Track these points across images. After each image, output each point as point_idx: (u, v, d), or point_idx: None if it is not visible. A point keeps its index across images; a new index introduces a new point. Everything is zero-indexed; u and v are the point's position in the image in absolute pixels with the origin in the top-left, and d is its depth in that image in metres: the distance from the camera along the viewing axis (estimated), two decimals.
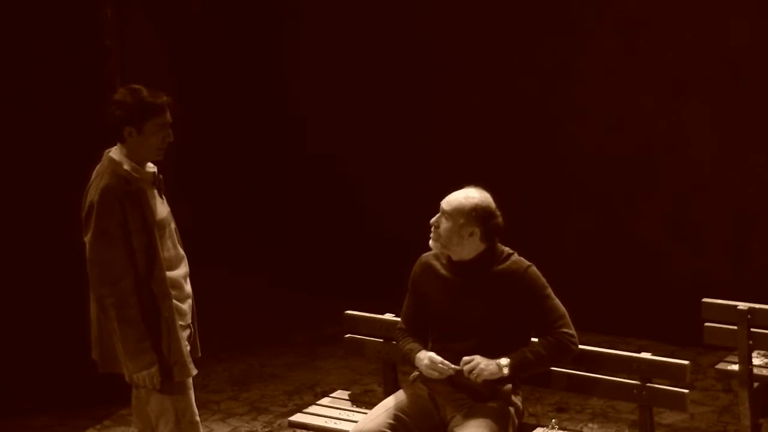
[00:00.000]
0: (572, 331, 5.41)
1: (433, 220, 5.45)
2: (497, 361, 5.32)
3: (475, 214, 5.36)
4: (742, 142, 8.18)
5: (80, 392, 7.45)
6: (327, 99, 9.91)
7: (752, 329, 6.20)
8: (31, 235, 7.54)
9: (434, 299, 5.56)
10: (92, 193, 5.21)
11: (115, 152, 5.28)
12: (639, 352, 5.47)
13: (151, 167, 5.35)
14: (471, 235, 5.38)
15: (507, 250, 5.50)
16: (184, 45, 9.78)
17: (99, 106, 7.37)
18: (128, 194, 5.19)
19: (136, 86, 5.26)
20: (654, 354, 5.44)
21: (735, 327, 6.25)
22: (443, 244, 5.43)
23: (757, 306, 6.22)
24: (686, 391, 5.32)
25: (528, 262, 5.46)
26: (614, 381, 5.49)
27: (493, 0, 9.01)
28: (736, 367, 6.37)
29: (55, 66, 7.46)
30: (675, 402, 5.37)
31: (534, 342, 5.45)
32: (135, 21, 8.97)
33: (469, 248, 5.41)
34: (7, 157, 7.51)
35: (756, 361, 6.42)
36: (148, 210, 5.22)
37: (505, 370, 5.33)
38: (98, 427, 7.47)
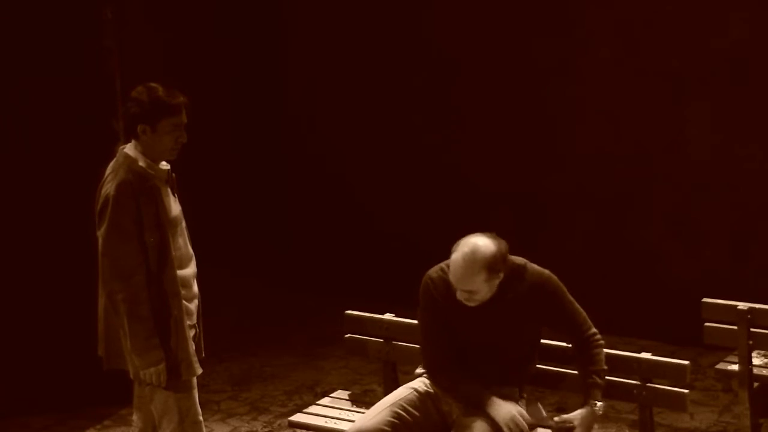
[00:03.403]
0: (595, 329, 5.42)
1: (463, 298, 5.25)
2: (590, 411, 5.25)
3: (492, 271, 5.19)
4: (742, 142, 8.19)
5: (80, 392, 7.45)
6: (326, 98, 9.91)
7: (752, 329, 6.20)
8: (32, 236, 7.54)
9: (454, 321, 5.40)
10: (108, 188, 5.20)
11: (129, 148, 5.29)
12: (639, 352, 5.47)
13: (164, 165, 5.35)
14: (499, 278, 5.27)
15: (519, 262, 5.41)
16: (184, 45, 9.78)
17: (99, 106, 7.46)
18: (143, 190, 5.19)
19: (154, 84, 5.26)
20: (654, 354, 5.44)
21: (735, 327, 6.25)
22: (484, 298, 5.29)
23: (757, 306, 6.22)
24: (686, 391, 5.32)
25: (545, 270, 5.41)
26: (614, 381, 5.49)
27: (493, 0, 9.01)
28: (736, 367, 6.37)
29: (55, 66, 7.46)
30: (675, 402, 5.37)
31: (585, 364, 5.35)
32: (135, 21, 8.97)
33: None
34: (8, 157, 7.51)
35: (756, 361, 6.42)
36: (162, 207, 5.23)
37: (599, 412, 5.29)
38: (98, 427, 7.47)
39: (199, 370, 5.38)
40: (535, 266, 5.43)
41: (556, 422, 5.35)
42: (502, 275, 5.27)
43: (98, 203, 5.24)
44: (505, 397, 5.37)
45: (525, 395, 5.54)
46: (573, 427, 5.27)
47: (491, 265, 5.19)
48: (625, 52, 8.50)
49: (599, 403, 5.29)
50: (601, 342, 5.43)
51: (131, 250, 5.15)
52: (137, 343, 5.17)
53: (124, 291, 5.14)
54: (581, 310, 5.45)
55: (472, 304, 5.28)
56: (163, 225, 5.21)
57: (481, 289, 5.22)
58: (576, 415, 5.29)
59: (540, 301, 5.36)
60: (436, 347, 5.44)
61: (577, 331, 5.42)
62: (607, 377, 5.48)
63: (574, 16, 8.68)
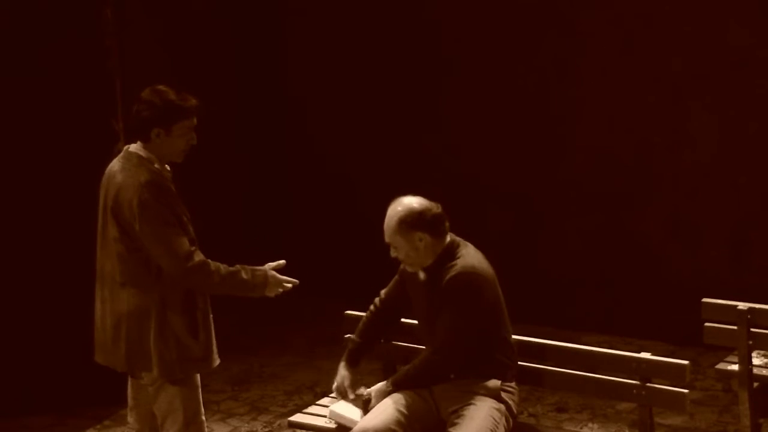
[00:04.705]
0: (443, 355, 5.42)
1: (391, 254, 5.51)
2: (386, 387, 5.58)
3: (406, 225, 5.39)
4: (742, 142, 8.19)
5: (80, 392, 7.46)
6: (326, 100, 9.90)
7: (752, 329, 6.20)
8: (31, 236, 7.54)
9: (411, 297, 5.67)
10: (133, 192, 5.15)
11: (138, 149, 5.27)
12: (639, 352, 5.47)
13: (167, 167, 5.35)
14: (421, 240, 5.41)
15: (462, 249, 5.47)
16: (185, 45, 9.77)
17: (99, 106, 7.46)
18: (168, 189, 5.22)
19: (163, 88, 5.26)
20: (654, 354, 5.44)
21: (735, 327, 6.25)
22: (413, 264, 5.49)
23: (757, 306, 6.23)
24: (686, 391, 5.32)
25: (468, 268, 5.38)
26: (614, 381, 5.49)
27: (493, 0, 9.01)
28: (736, 367, 6.38)
29: (55, 66, 7.46)
30: (675, 402, 5.37)
31: (414, 360, 5.58)
32: (135, 21, 8.96)
33: (432, 252, 5.44)
34: (8, 158, 7.51)
35: (756, 361, 6.42)
36: (182, 206, 5.24)
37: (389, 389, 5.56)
38: (98, 427, 7.47)
39: (217, 361, 5.45)
40: (471, 258, 5.42)
41: (357, 395, 5.68)
42: (423, 237, 5.38)
43: (123, 208, 5.17)
44: (485, 391, 5.43)
45: (511, 389, 5.52)
46: (369, 399, 5.57)
47: (404, 218, 5.38)
48: (625, 52, 8.50)
49: (390, 388, 5.54)
50: (434, 359, 5.44)
51: (184, 238, 5.17)
52: (246, 288, 5.31)
53: (196, 265, 5.14)
54: (453, 331, 5.37)
55: (409, 268, 5.51)
56: (186, 224, 5.23)
57: (399, 244, 5.41)
58: (372, 389, 5.61)
59: (443, 291, 5.38)
60: (382, 296, 5.83)
61: (435, 340, 5.44)
62: (607, 377, 5.50)
63: (574, 16, 8.68)
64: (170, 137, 5.24)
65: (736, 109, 8.17)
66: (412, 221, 5.38)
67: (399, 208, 5.42)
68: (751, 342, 6.22)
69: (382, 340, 5.99)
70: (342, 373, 5.83)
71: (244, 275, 5.31)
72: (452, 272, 5.38)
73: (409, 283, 5.65)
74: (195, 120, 5.29)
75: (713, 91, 8.23)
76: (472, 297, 5.36)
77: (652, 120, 8.47)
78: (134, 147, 5.30)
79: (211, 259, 5.28)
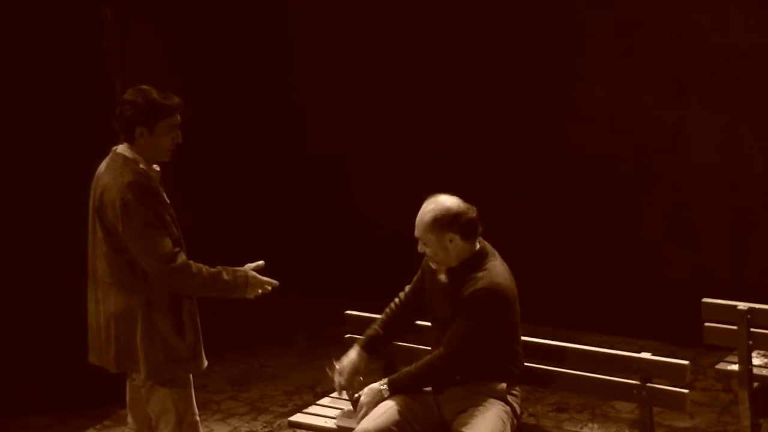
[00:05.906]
0: (448, 358, 5.40)
1: (419, 249, 5.48)
2: (377, 388, 5.54)
3: (438, 224, 5.37)
4: (741, 142, 8.19)
5: (80, 392, 7.46)
6: (326, 100, 9.90)
7: (752, 329, 6.20)
8: (31, 235, 7.54)
9: (428, 295, 5.63)
10: (116, 192, 5.15)
11: (125, 150, 5.27)
12: (639, 352, 5.47)
13: (156, 167, 5.36)
14: (452, 241, 5.39)
15: (490, 260, 5.45)
16: (184, 45, 9.78)
17: (99, 106, 7.45)
18: (152, 190, 5.21)
19: (146, 87, 5.27)
20: (654, 354, 5.44)
21: (735, 327, 6.25)
22: (440, 262, 5.46)
23: (757, 306, 6.22)
24: (686, 391, 5.32)
25: (494, 285, 5.35)
26: (614, 381, 5.50)
27: (493, 0, 9.01)
28: (736, 367, 6.37)
29: (55, 66, 7.46)
30: (675, 402, 5.38)
31: (417, 361, 5.55)
32: (135, 21, 8.97)
33: (460, 252, 5.42)
34: (7, 157, 7.51)
35: (756, 361, 6.42)
36: (167, 206, 5.25)
37: (384, 393, 5.51)
38: (98, 427, 7.47)
39: (206, 363, 5.42)
40: (498, 275, 5.39)
41: (349, 395, 5.68)
42: (454, 238, 5.37)
43: (107, 209, 5.19)
44: (491, 393, 5.42)
45: (516, 392, 5.53)
46: (359, 397, 5.55)
47: (439, 217, 5.37)
48: (625, 53, 8.50)
49: (384, 386, 5.50)
50: (438, 364, 5.42)
51: (166, 238, 5.16)
52: (227, 289, 5.28)
53: (178, 267, 5.14)
54: (463, 339, 5.36)
55: (433, 265, 5.46)
56: (169, 224, 5.23)
57: (429, 242, 5.38)
58: (366, 389, 5.56)
59: (464, 301, 5.36)
60: (402, 296, 5.79)
61: (444, 343, 5.42)
62: (607, 377, 5.51)
63: (573, 16, 8.68)
64: (154, 136, 5.24)
65: (735, 109, 8.17)
66: (446, 222, 5.37)
67: (435, 207, 5.40)
68: (751, 342, 6.22)
69: (398, 339, 5.94)
70: (351, 356, 5.75)
71: (225, 276, 5.29)
72: (477, 285, 5.35)
73: (429, 282, 5.62)
74: (178, 117, 5.28)
75: (713, 92, 8.23)
76: (492, 314, 5.35)
77: (652, 120, 8.47)
78: (121, 148, 5.31)
79: (210, 260, 5.28)
